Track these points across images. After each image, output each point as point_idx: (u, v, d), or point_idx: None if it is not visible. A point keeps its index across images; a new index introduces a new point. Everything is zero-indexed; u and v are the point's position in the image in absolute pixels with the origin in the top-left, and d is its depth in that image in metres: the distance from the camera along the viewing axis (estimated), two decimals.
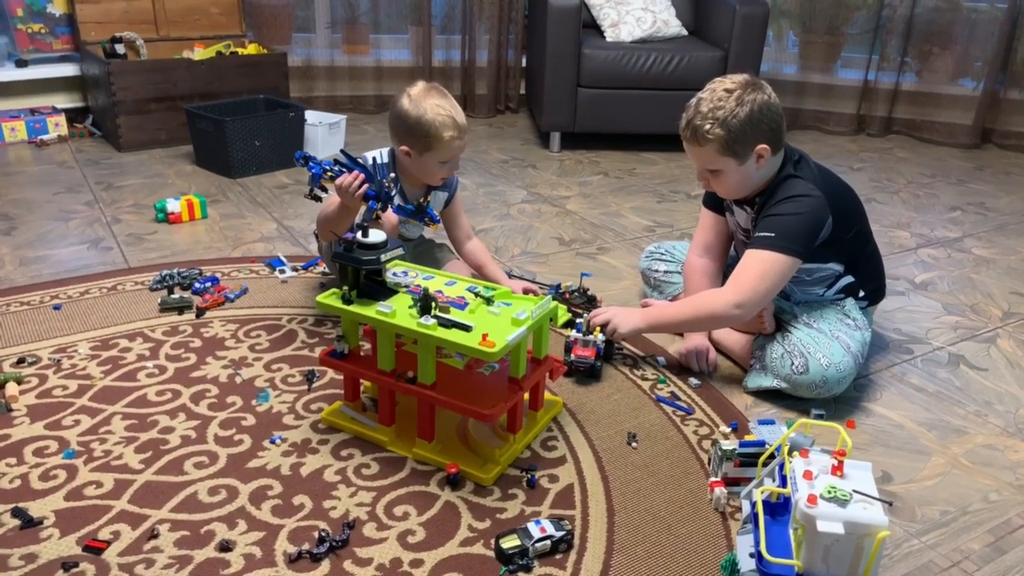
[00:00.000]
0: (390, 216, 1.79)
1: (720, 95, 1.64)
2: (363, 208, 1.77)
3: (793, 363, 1.69)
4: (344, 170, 1.74)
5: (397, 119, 1.86)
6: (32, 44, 3.42)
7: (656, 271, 2.11)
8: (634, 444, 1.58)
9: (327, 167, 1.76)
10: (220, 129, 2.98)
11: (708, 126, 1.63)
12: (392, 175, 1.80)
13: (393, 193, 1.75)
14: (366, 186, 1.73)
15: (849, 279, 1.80)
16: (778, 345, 1.74)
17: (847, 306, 1.81)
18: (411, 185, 1.98)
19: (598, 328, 1.80)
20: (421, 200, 1.70)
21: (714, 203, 1.93)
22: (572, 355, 1.76)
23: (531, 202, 2.96)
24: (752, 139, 1.65)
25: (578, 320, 1.86)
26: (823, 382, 1.68)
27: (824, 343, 1.71)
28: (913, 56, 4.04)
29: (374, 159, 1.80)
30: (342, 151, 1.77)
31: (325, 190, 1.80)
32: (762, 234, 1.68)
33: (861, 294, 1.83)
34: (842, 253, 1.76)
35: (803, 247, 1.66)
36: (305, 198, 1.82)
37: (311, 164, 1.76)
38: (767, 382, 1.74)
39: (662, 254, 2.13)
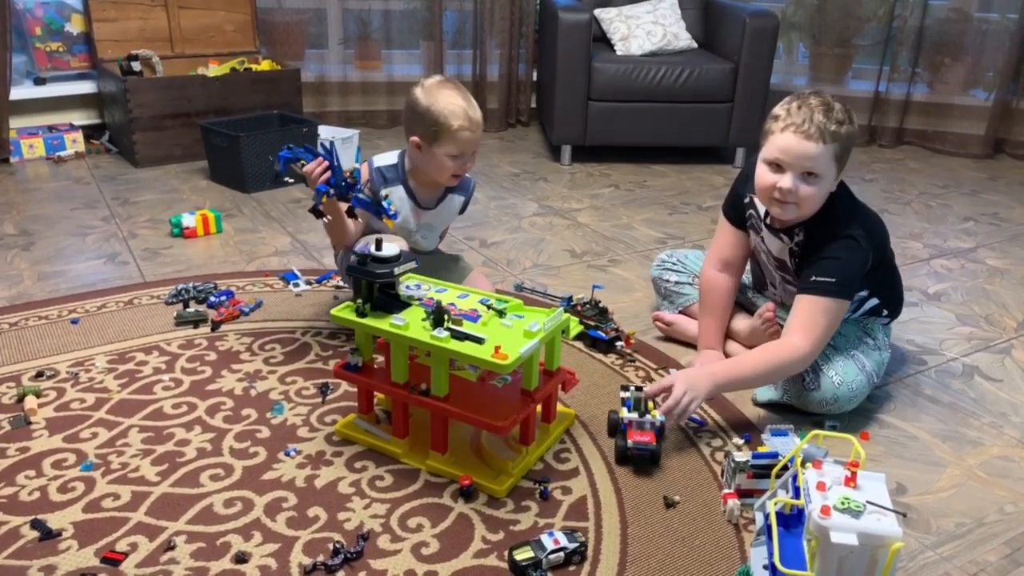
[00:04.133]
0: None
1: (834, 104, 1.61)
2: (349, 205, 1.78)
3: (805, 379, 1.68)
4: (313, 157, 1.75)
5: (408, 108, 1.85)
6: (50, 62, 3.48)
7: (667, 281, 2.10)
8: None
9: (298, 154, 1.76)
10: (235, 144, 3.01)
11: (835, 127, 1.58)
12: (355, 166, 1.80)
13: (359, 186, 1.75)
14: (327, 174, 1.73)
15: (874, 302, 1.78)
16: None
17: (869, 323, 1.80)
18: (425, 187, 1.94)
19: (653, 407, 1.59)
20: (383, 193, 1.66)
21: (736, 217, 1.87)
22: (629, 440, 1.53)
23: (543, 215, 2.97)
24: (847, 157, 1.64)
25: (624, 393, 1.62)
26: (834, 399, 1.67)
27: (839, 361, 1.70)
28: (924, 67, 4.03)
29: (331, 155, 1.76)
30: (320, 143, 1.78)
31: (295, 175, 1.80)
32: (823, 279, 1.62)
33: (884, 313, 1.82)
34: (872, 281, 1.74)
35: (855, 288, 1.67)
36: (273, 180, 1.82)
37: (282, 151, 1.77)
38: (776, 395, 1.73)
39: (673, 264, 2.12)
